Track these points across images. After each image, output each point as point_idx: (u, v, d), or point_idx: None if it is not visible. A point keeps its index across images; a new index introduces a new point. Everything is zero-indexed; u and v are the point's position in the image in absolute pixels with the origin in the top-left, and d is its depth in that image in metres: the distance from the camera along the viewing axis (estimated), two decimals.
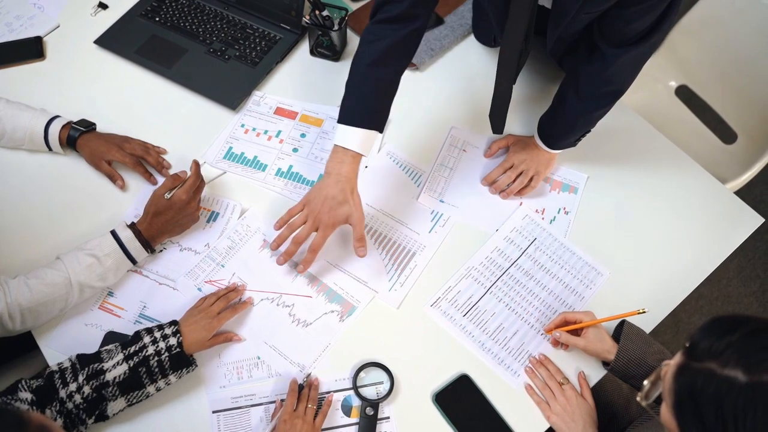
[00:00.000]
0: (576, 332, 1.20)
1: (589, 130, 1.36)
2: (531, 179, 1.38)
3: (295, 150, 1.44)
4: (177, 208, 1.22)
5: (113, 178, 1.35)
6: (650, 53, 1.18)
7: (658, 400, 0.80)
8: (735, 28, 1.72)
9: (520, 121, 1.50)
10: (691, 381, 0.72)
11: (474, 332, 1.25)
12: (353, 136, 1.20)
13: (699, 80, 1.88)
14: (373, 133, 1.22)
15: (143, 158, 1.37)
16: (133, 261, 1.21)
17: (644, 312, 1.15)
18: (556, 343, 1.24)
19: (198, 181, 1.25)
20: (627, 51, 1.15)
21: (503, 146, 1.44)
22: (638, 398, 0.83)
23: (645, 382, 0.81)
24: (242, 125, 1.47)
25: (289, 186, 1.39)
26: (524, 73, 1.56)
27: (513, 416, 1.17)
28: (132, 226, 1.21)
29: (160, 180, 1.38)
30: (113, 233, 1.19)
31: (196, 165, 1.26)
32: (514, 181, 1.38)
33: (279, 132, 1.47)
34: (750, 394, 0.67)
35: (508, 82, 1.30)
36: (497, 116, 1.39)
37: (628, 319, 1.20)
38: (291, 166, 1.42)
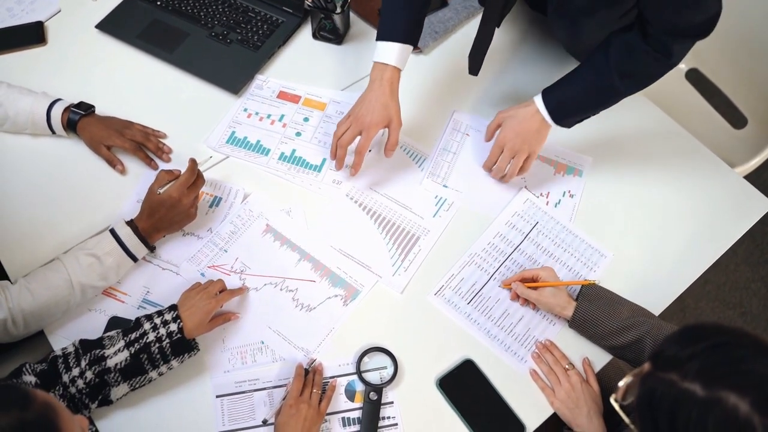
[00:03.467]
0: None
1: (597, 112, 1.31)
2: (526, 160, 1.32)
3: (298, 134, 1.43)
4: (168, 206, 1.20)
5: (112, 163, 1.35)
6: None
7: None
8: (748, 10, 1.69)
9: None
10: (651, 389, 0.72)
11: (479, 319, 1.24)
12: (392, 51, 1.27)
13: (710, 64, 1.85)
14: (408, 47, 1.28)
15: (143, 144, 1.36)
16: (134, 258, 1.20)
17: (594, 283, 1.21)
18: (515, 296, 1.25)
19: (192, 178, 1.22)
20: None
21: (494, 128, 1.37)
22: (611, 399, 0.82)
23: (621, 383, 0.81)
24: (245, 109, 1.46)
25: (293, 170, 1.38)
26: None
27: (517, 401, 1.17)
28: (130, 223, 1.20)
29: (162, 165, 1.37)
30: (112, 231, 1.18)
31: (192, 162, 1.23)
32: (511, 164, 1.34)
33: (282, 116, 1.46)
34: (704, 408, 0.67)
35: (491, 24, 1.31)
36: (475, 56, 1.38)
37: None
38: (294, 150, 1.41)
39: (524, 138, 1.30)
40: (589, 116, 1.32)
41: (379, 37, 1.28)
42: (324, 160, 1.40)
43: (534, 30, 1.58)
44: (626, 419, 0.80)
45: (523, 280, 1.24)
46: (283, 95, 1.48)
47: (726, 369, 0.69)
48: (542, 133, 1.31)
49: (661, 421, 0.70)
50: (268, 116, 1.45)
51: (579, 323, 1.19)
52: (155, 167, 1.37)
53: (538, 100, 1.29)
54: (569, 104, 1.28)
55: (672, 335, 0.75)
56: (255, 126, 1.44)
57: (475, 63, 1.39)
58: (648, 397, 0.72)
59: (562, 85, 1.28)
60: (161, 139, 1.40)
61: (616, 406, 0.81)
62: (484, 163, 1.38)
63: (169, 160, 1.38)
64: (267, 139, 1.42)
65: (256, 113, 1.45)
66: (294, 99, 1.48)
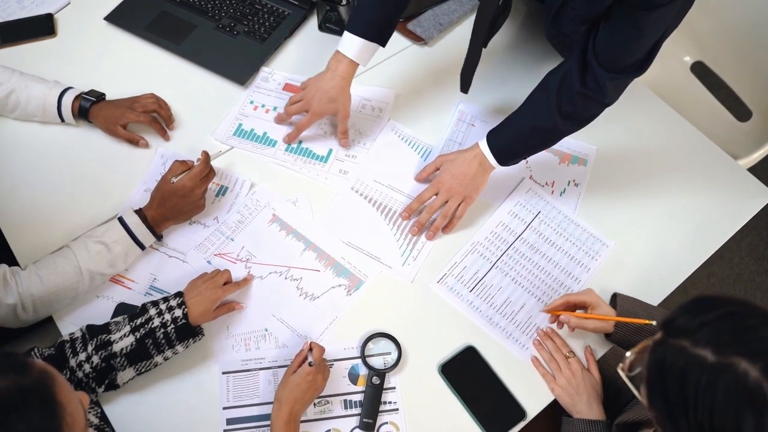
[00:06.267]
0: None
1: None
2: (458, 206, 1.30)
3: None
4: (181, 195, 1.22)
5: (133, 140, 1.37)
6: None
7: None
8: (753, 4, 1.69)
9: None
10: (662, 357, 0.73)
11: (481, 307, 1.25)
12: (353, 45, 1.29)
13: (715, 57, 1.85)
14: (374, 45, 1.30)
15: (156, 112, 1.39)
16: (142, 246, 1.22)
17: (651, 324, 1.13)
18: (561, 325, 1.22)
19: (206, 171, 1.24)
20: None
21: (431, 170, 1.35)
22: (619, 368, 0.83)
23: (628, 354, 0.82)
24: (251, 102, 1.47)
25: (299, 161, 1.40)
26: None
27: (518, 387, 1.18)
28: (138, 212, 1.22)
29: (172, 136, 1.41)
30: (120, 219, 1.20)
31: (206, 155, 1.25)
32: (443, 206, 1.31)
33: None
34: (714, 373, 0.68)
35: (479, 44, 1.32)
36: (465, 75, 1.40)
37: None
38: (300, 142, 1.42)
39: (461, 181, 1.29)
40: (531, 155, 1.33)
41: (347, 27, 1.30)
42: (330, 150, 1.41)
43: (538, 25, 1.59)
44: (633, 389, 0.81)
45: (566, 305, 1.21)
46: (288, 87, 1.50)
47: (737, 336, 0.69)
48: (479, 178, 1.30)
49: (671, 386, 0.71)
50: (275, 108, 1.46)
51: (621, 336, 1.17)
52: (168, 139, 1.40)
53: (482, 143, 1.29)
54: (513, 145, 1.28)
55: (683, 305, 0.75)
56: (261, 118, 1.45)
57: (465, 81, 1.42)
58: (659, 364, 0.73)
59: (506, 127, 1.28)
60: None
61: (623, 375, 0.82)
62: (405, 208, 1.34)
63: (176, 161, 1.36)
64: (273, 131, 1.43)
65: (263, 105, 1.47)
66: (299, 90, 1.49)
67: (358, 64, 1.31)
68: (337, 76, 1.30)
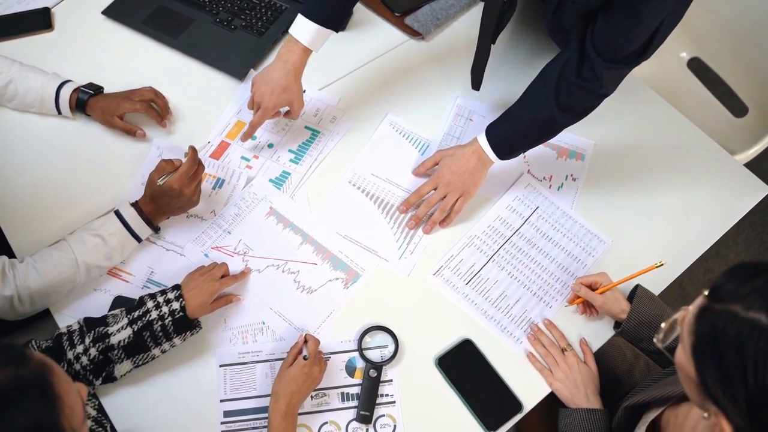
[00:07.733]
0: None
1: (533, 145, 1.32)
2: (456, 201, 1.30)
3: (270, 145, 1.42)
4: (170, 196, 1.20)
5: (130, 131, 1.37)
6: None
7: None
8: (751, 0, 1.70)
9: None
10: (712, 323, 0.72)
11: (477, 300, 1.25)
12: (307, 31, 1.24)
13: (712, 53, 1.85)
14: (328, 31, 1.26)
15: (153, 101, 1.39)
16: (138, 239, 1.22)
17: (662, 265, 1.15)
18: (583, 310, 1.24)
19: (193, 168, 1.20)
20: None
21: (430, 165, 1.35)
22: (654, 340, 0.83)
23: (662, 325, 0.82)
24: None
25: (316, 152, 1.41)
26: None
27: (516, 380, 1.18)
28: (135, 205, 1.21)
29: (170, 130, 1.41)
30: (117, 212, 1.20)
31: (192, 151, 1.22)
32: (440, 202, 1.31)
33: (240, 175, 1.38)
34: None
35: (488, 40, 1.31)
36: (476, 73, 1.40)
37: (644, 279, 1.21)
38: (291, 150, 1.41)
39: (459, 176, 1.29)
40: (530, 148, 1.33)
41: (301, 11, 1.25)
42: (306, 126, 1.43)
43: (539, 21, 1.59)
44: (672, 359, 0.81)
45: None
46: (215, 154, 1.40)
47: None
48: (477, 173, 1.30)
49: (726, 351, 0.70)
50: (221, 182, 1.37)
51: (634, 325, 1.18)
52: (165, 125, 1.40)
53: (482, 138, 1.29)
54: (512, 139, 1.28)
55: (727, 272, 0.75)
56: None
57: (475, 79, 1.43)
58: (710, 330, 0.72)
59: (504, 121, 1.28)
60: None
61: (660, 346, 0.82)
62: (403, 201, 1.34)
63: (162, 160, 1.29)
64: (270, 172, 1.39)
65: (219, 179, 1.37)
66: (223, 147, 1.40)
67: (311, 52, 1.28)
68: (290, 66, 1.27)
